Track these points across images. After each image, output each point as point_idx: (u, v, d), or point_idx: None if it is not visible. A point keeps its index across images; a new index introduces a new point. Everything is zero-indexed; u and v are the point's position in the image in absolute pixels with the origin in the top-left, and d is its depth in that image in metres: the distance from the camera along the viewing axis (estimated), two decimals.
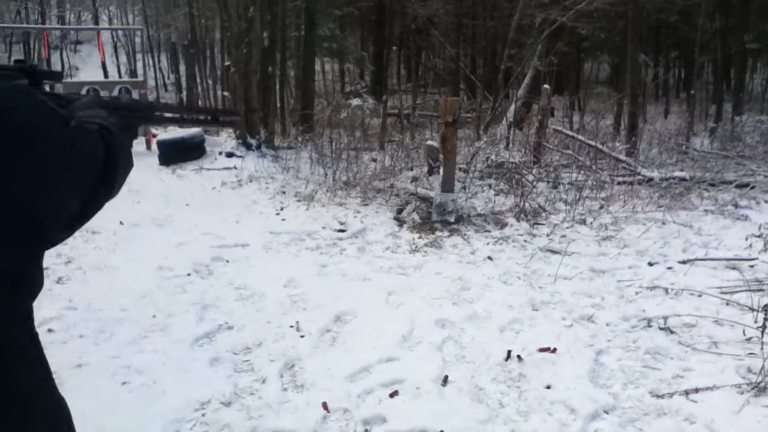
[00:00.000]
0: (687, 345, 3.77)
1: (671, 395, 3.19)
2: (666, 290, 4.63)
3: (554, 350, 3.66)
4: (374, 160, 9.07)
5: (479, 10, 20.35)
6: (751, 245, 5.33)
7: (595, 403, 3.13)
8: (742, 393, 3.14)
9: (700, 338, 3.85)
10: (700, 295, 4.51)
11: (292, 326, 4.06)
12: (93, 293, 4.48)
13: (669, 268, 5.17)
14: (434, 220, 6.33)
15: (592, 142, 9.04)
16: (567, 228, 6.28)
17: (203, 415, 3.07)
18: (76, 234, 5.63)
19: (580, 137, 9.38)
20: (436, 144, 7.16)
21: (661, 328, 3.99)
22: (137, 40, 25.79)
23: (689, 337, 3.89)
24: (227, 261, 5.32)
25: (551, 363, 3.54)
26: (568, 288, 4.72)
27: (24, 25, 22.79)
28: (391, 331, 3.93)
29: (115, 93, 10.70)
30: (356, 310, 4.27)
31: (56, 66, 26.48)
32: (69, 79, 22.71)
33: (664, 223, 6.42)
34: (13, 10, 26.21)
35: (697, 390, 3.20)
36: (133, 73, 24.67)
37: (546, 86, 9.61)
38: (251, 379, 3.42)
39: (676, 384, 3.32)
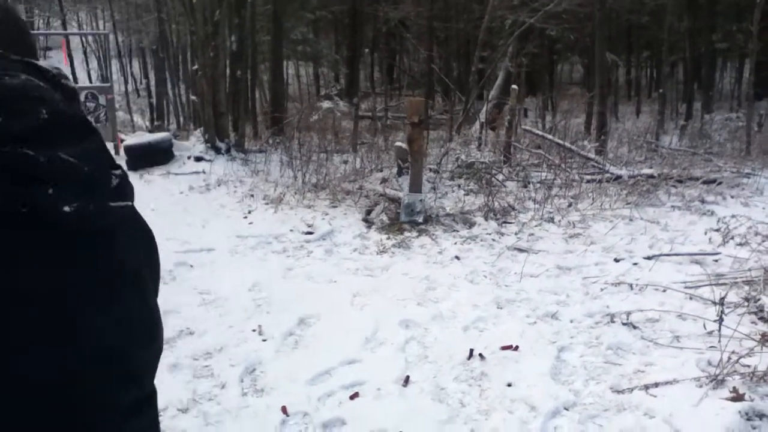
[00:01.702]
0: (649, 340, 3.78)
1: (631, 390, 3.19)
2: (631, 286, 4.66)
3: (516, 348, 3.65)
4: (345, 162, 9.03)
5: (451, 12, 20.43)
6: (710, 239, 5.38)
7: (555, 399, 3.12)
8: (701, 386, 3.15)
9: (663, 333, 3.87)
10: (664, 290, 4.53)
11: (254, 330, 4.01)
12: None
13: (635, 264, 5.19)
14: (402, 220, 6.31)
15: (561, 141, 9.08)
16: (535, 226, 6.29)
17: (159, 422, 3.00)
18: None
19: (549, 136, 9.43)
20: (405, 145, 7.14)
21: (624, 324, 3.99)
22: (110, 45, 25.50)
23: (652, 332, 3.90)
24: (191, 266, 5.25)
25: (514, 361, 3.53)
26: (533, 286, 4.72)
27: None
28: (355, 332, 3.90)
29: (81, 99, 10.54)
30: (320, 313, 4.23)
31: None
32: None
33: (631, 220, 6.45)
34: None
35: (657, 384, 3.21)
36: (104, 78, 24.36)
37: (514, 87, 9.65)
38: (210, 385, 3.36)
39: (636, 379, 3.32)
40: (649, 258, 5.28)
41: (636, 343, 3.74)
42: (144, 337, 0.75)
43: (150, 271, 0.78)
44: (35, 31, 26.18)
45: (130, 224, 0.74)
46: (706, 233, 5.48)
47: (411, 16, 19.95)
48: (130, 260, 0.73)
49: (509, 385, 3.27)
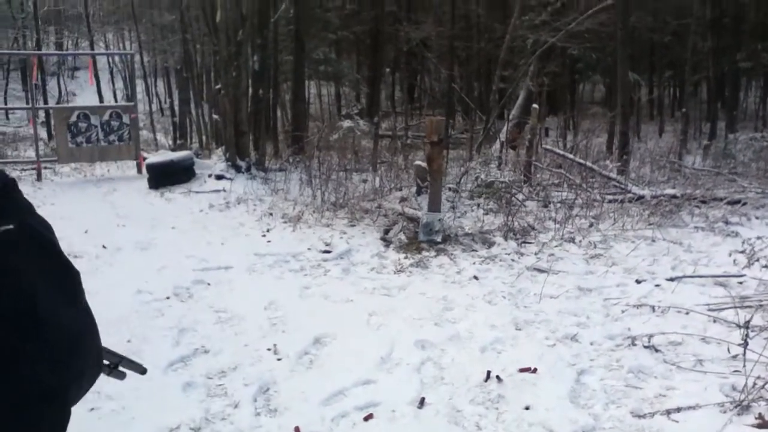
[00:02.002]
0: (671, 363, 3.69)
1: (653, 415, 3.10)
2: (653, 308, 4.56)
3: (535, 370, 3.58)
4: (364, 181, 9.03)
5: (473, 32, 20.50)
6: (734, 261, 5.26)
7: (574, 424, 3.04)
8: (725, 412, 3.06)
9: (686, 356, 3.77)
10: (687, 313, 4.43)
11: (269, 349, 3.98)
12: None
13: (657, 285, 5.09)
14: (421, 240, 6.27)
15: (583, 161, 9.00)
16: (555, 246, 6.21)
17: None
18: None
19: (570, 156, 9.36)
20: (424, 164, 7.12)
21: (645, 347, 3.91)
22: (136, 65, 25.94)
23: (674, 355, 3.81)
24: (209, 284, 5.25)
25: (532, 384, 3.46)
26: (553, 307, 4.64)
27: (13, 51, 22.89)
28: (370, 353, 3.85)
29: (106, 117, 10.70)
30: (336, 332, 4.19)
31: (53, 92, 26.64)
32: (60, 104, 22.84)
33: (653, 241, 6.35)
34: (11, 37, 26.39)
35: (679, 409, 3.12)
36: (129, 98, 24.74)
37: (535, 106, 9.61)
38: (224, 404, 3.34)
39: (658, 403, 3.23)
40: (671, 279, 5.18)
41: (658, 367, 3.65)
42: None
43: (50, 283, 0.82)
44: (63, 52, 26.75)
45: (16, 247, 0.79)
46: (730, 255, 5.37)
47: (432, 36, 20.04)
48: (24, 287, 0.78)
49: (527, 408, 3.20)
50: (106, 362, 1.10)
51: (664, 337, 4.02)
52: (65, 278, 0.87)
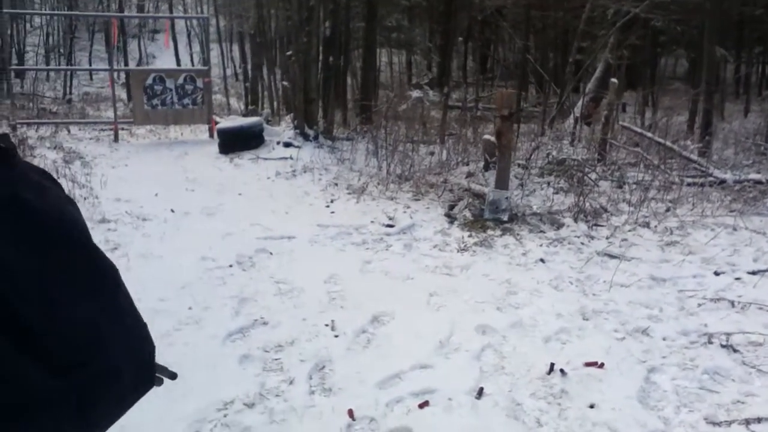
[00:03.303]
0: (751, 366, 3.44)
1: (729, 423, 2.89)
2: (732, 303, 4.28)
3: (602, 365, 3.41)
4: (431, 154, 8.86)
5: (550, 1, 19.75)
6: None
7: (642, 427, 2.87)
8: None
9: (767, 359, 3.51)
10: None
11: (327, 325, 3.93)
12: (134, 282, 4.44)
13: (737, 278, 4.78)
14: (486, 218, 6.09)
15: (662, 140, 8.56)
16: (629, 231, 5.93)
17: (225, 416, 2.98)
18: (127, 220, 5.63)
19: (648, 134, 8.91)
20: (493, 138, 6.90)
21: (723, 346, 3.66)
22: (212, 29, 26.27)
23: (755, 357, 3.55)
24: (271, 253, 5.25)
25: (598, 380, 3.29)
26: (623, 296, 4.42)
27: (92, 13, 23.48)
28: (429, 335, 3.75)
29: (180, 81, 10.86)
30: (395, 311, 4.11)
31: (134, 54, 27.31)
32: (139, 66, 23.39)
33: (735, 229, 5.97)
34: None
35: (759, 420, 2.90)
36: (206, 62, 25.09)
37: (614, 80, 9.16)
38: (279, 380, 3.31)
39: (736, 410, 3.02)
40: (753, 273, 4.86)
41: (736, 369, 3.41)
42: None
43: (49, 272, 0.72)
44: (141, 15, 27.32)
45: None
46: None
47: (508, 4, 19.40)
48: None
49: (591, 406, 3.04)
50: None
51: (744, 336, 3.77)
52: (78, 268, 0.76)
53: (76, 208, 0.82)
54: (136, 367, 0.84)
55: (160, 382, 1.05)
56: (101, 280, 0.80)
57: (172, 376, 1.06)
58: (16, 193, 0.71)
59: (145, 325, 0.88)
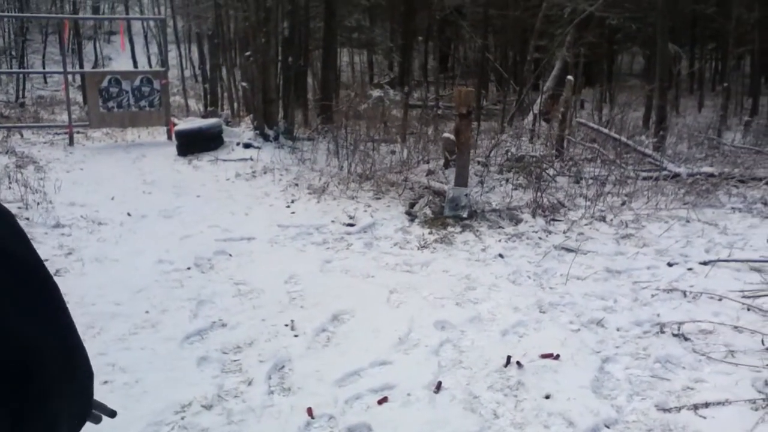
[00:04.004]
0: (701, 354, 3.53)
1: (679, 409, 2.97)
2: (684, 293, 4.39)
3: (557, 357, 3.47)
4: (392, 153, 8.88)
5: (508, 0, 19.96)
6: None
7: (596, 416, 2.93)
8: (757, 409, 2.91)
9: (716, 347, 3.61)
10: (720, 299, 4.26)
11: (287, 325, 3.92)
12: (88, 286, 4.40)
13: (689, 269, 4.91)
14: (446, 215, 6.14)
15: (617, 136, 8.72)
16: (585, 225, 6.03)
17: (182, 418, 2.95)
18: (82, 224, 5.52)
19: (604, 130, 9.07)
20: (453, 136, 6.95)
21: (674, 335, 3.76)
22: (169, 31, 25.89)
23: (704, 345, 3.65)
24: (230, 255, 5.21)
25: (553, 371, 3.34)
26: (579, 289, 4.50)
27: (45, 15, 22.97)
28: (388, 332, 3.77)
29: (137, 83, 10.69)
30: (355, 309, 4.12)
31: (89, 56, 26.78)
32: (95, 68, 22.96)
33: (688, 221, 6.13)
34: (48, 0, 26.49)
35: (707, 404, 2.98)
36: (163, 63, 24.77)
37: (570, 77, 9.30)
38: (237, 381, 3.29)
39: (685, 397, 3.10)
40: (705, 263, 4.99)
41: (686, 357, 3.50)
42: None
43: None
44: (95, 16, 26.81)
45: None
46: None
47: (467, 4, 19.59)
48: None
49: (547, 397, 3.09)
50: None
51: (695, 325, 3.87)
52: (19, 287, 0.76)
53: (11, 216, 0.81)
54: (71, 393, 0.84)
55: (98, 420, 1.02)
56: (42, 297, 0.80)
57: (112, 414, 1.03)
58: None
59: (84, 349, 0.86)
